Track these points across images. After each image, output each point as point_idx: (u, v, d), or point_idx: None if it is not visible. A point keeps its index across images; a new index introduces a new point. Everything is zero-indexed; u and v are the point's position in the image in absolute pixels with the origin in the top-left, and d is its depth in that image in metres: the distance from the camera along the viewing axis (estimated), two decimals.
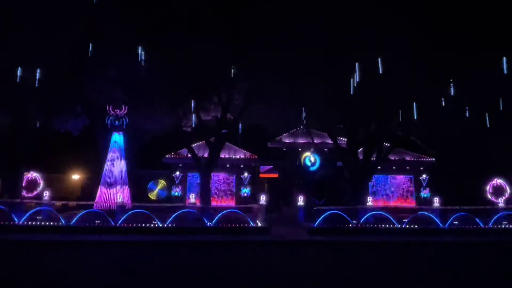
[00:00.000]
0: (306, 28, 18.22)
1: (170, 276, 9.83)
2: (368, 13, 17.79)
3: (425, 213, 18.77)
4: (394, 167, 28.38)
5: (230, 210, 18.45)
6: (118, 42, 18.26)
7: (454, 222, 18.23)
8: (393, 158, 27.42)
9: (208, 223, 17.45)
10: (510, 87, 18.59)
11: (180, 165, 27.99)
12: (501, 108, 19.59)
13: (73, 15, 17.67)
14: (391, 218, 18.10)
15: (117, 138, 23.40)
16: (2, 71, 18.33)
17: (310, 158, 29.45)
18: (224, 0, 19.02)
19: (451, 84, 19.11)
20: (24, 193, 20.52)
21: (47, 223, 16.99)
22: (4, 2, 17.32)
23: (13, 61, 18.00)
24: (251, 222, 17.59)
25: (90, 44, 17.74)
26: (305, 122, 25.82)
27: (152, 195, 29.68)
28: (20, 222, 16.81)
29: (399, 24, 17.70)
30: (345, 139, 23.12)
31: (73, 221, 16.99)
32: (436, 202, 19.69)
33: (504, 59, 17.85)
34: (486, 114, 20.33)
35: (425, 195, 27.67)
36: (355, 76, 18.25)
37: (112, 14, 17.99)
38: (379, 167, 23.47)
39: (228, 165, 28.03)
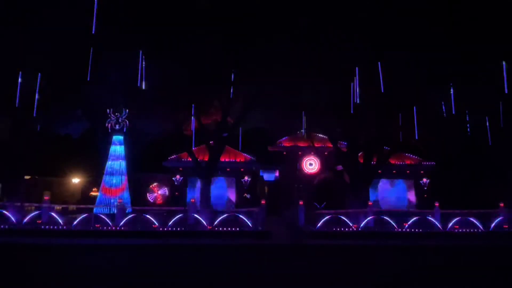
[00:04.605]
0: (306, 32, 18.32)
1: (169, 280, 9.81)
2: (369, 17, 17.87)
3: (426, 217, 18.71)
4: (394, 171, 28.36)
5: (230, 213, 18.40)
6: (119, 46, 18.33)
7: (455, 226, 18.19)
8: (393, 162, 27.41)
9: (208, 226, 17.41)
10: (509, 90, 18.62)
11: (181, 168, 27.97)
12: (500, 111, 19.65)
13: (74, 19, 17.72)
14: (392, 222, 18.07)
15: (118, 141, 23.43)
16: (3, 75, 18.39)
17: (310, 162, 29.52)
18: (224, 7, 19.11)
19: (451, 88, 19.17)
20: (24, 196, 20.51)
21: (47, 227, 16.98)
22: (7, 5, 17.41)
23: (15, 64, 18.05)
24: (251, 226, 17.55)
25: (91, 47, 17.81)
26: (305, 126, 25.82)
27: (153, 199, 29.66)
28: (21, 226, 16.79)
29: (399, 29, 17.78)
30: (346, 143, 23.12)
31: (73, 224, 16.98)
32: (437, 206, 19.64)
33: (504, 63, 17.93)
34: (486, 117, 20.38)
35: (425, 199, 27.60)
36: (355, 80, 18.31)
37: (113, 18, 18.05)
38: (379, 171, 23.45)
39: (228, 169, 28.00)
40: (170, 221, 17.31)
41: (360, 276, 10.59)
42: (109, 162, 23.23)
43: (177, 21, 18.65)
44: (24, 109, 20.03)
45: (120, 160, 23.34)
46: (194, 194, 26.14)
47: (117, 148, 23.40)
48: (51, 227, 16.92)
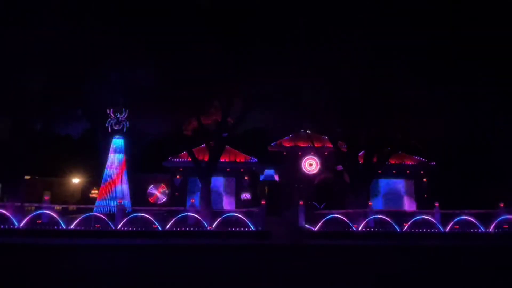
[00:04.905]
0: (306, 32, 18.33)
1: (169, 280, 9.81)
2: (369, 17, 17.89)
3: (426, 217, 18.72)
4: (394, 171, 28.37)
5: (230, 214, 18.41)
6: (119, 47, 18.33)
7: (455, 226, 18.19)
8: (393, 162, 27.40)
9: (208, 227, 17.41)
10: (509, 89, 18.65)
11: (181, 168, 28.00)
12: (500, 111, 19.67)
13: (74, 19, 17.74)
14: (392, 222, 18.07)
15: (118, 141, 23.44)
16: (3, 75, 18.40)
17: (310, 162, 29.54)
18: (224, 6, 19.12)
19: (452, 88, 19.17)
20: (24, 196, 20.50)
21: (47, 227, 16.98)
22: (7, 5, 17.43)
23: (14, 65, 18.06)
24: (251, 226, 17.55)
25: (91, 49, 17.82)
26: (305, 126, 25.81)
27: (153, 199, 29.67)
28: (20, 226, 16.80)
29: (399, 30, 17.80)
30: (345, 143, 23.12)
31: (73, 224, 16.98)
32: (437, 206, 19.66)
33: (503, 63, 17.95)
34: (486, 117, 20.38)
35: (425, 199, 27.60)
36: (355, 79, 18.33)
37: (113, 18, 18.07)
38: (379, 171, 23.45)
39: (228, 169, 28.03)
40: (170, 221, 17.31)
41: (360, 276, 10.59)
42: (109, 162, 23.24)
43: (178, 20, 18.66)
44: (24, 109, 20.06)
45: (120, 160, 23.35)
46: (194, 194, 26.15)
47: (117, 148, 23.41)
48: (51, 227, 16.93)
